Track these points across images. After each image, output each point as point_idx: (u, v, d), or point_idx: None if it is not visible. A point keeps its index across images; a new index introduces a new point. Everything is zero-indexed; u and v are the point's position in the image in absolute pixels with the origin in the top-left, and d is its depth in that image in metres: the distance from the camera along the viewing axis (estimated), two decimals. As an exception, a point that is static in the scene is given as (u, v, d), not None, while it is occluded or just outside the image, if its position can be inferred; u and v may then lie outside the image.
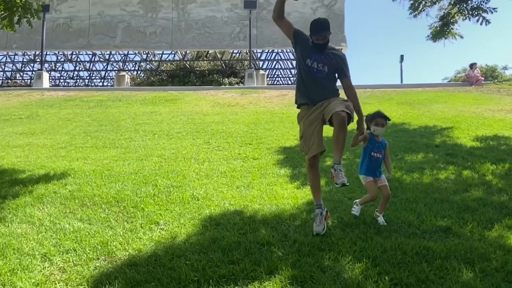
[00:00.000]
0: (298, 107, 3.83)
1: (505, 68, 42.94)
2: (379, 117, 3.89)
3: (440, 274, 2.91)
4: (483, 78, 17.30)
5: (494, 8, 9.87)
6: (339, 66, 3.70)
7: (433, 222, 3.86)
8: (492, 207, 4.24)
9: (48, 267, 3.13)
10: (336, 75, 3.75)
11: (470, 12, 10.10)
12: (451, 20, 10.75)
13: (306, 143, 3.58)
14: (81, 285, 2.87)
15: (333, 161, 3.50)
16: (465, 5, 10.18)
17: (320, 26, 3.59)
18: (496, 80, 27.79)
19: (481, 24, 9.99)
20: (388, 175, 3.98)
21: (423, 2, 10.85)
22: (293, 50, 3.88)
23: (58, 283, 2.90)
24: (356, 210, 4.01)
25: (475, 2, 10.09)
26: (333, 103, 3.48)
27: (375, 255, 3.17)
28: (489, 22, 9.88)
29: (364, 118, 3.96)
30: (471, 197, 4.56)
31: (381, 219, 3.84)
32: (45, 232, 3.77)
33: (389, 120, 4.01)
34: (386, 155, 3.99)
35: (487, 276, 2.89)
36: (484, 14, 9.89)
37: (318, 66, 3.62)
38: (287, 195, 4.70)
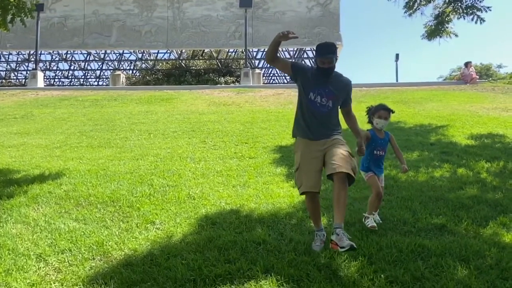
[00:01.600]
0: (293, 136, 3.58)
1: (499, 66, 43.26)
2: (382, 110, 3.74)
3: (435, 271, 2.93)
4: (477, 77, 17.39)
5: (488, 7, 9.91)
6: (344, 97, 3.45)
7: (428, 220, 3.88)
8: (486, 205, 4.26)
9: (43, 267, 3.12)
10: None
11: (465, 11, 10.13)
12: (446, 19, 10.79)
13: (301, 177, 3.29)
14: (77, 285, 2.86)
15: (333, 225, 3.08)
16: (459, 4, 10.21)
17: (326, 49, 3.32)
18: (490, 79, 27.94)
19: (475, 22, 10.03)
20: (404, 167, 3.80)
21: (418, 1, 10.87)
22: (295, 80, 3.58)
23: (54, 283, 2.89)
24: (370, 221, 3.63)
25: (469, 1, 10.12)
26: (338, 155, 3.18)
27: (370, 253, 3.18)
28: (483, 21, 9.92)
29: (366, 110, 3.89)
30: (466, 195, 4.58)
31: (375, 218, 3.70)
32: (40, 232, 3.75)
33: (393, 112, 3.85)
34: (395, 147, 3.86)
35: (482, 273, 2.91)
36: (479, 13, 9.93)
37: (322, 101, 3.34)
38: (283, 194, 4.71)
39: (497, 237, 3.52)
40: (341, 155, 3.18)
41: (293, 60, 3.46)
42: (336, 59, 3.37)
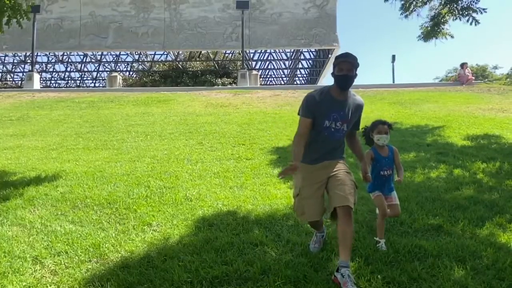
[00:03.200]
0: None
1: (495, 67, 43.48)
2: (380, 124, 3.46)
3: (432, 272, 2.93)
4: (473, 78, 17.46)
5: (484, 9, 9.96)
6: (355, 119, 3.19)
7: (425, 220, 3.89)
8: (483, 205, 4.28)
9: (39, 269, 3.11)
10: None
11: (460, 12, 10.18)
12: (442, 20, 10.84)
13: (302, 206, 3.08)
14: (73, 288, 2.85)
15: (338, 262, 2.86)
16: (455, 5, 10.26)
17: (346, 54, 3.04)
18: (486, 80, 28.12)
19: (470, 24, 10.07)
20: (399, 179, 3.45)
21: (414, 3, 10.91)
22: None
23: (50, 285, 2.88)
24: (381, 245, 3.37)
25: (465, 2, 10.17)
26: (345, 184, 2.96)
27: (367, 254, 3.19)
28: (478, 22, 9.97)
29: (363, 131, 3.58)
30: (462, 196, 4.60)
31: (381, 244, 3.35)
32: (36, 235, 3.73)
33: (391, 127, 3.55)
34: (397, 163, 3.53)
35: (478, 273, 2.92)
36: (474, 14, 9.97)
37: (337, 125, 3.06)
38: (280, 195, 4.71)
39: (493, 238, 3.53)
40: (348, 185, 2.97)
41: (306, 112, 3.07)
42: (356, 74, 3.04)
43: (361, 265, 3.02)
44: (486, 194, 4.64)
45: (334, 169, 3.07)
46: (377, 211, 3.58)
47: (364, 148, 3.42)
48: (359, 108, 3.17)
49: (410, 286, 2.76)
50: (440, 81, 36.98)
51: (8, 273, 3.03)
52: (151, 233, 3.76)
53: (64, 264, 3.18)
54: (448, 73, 41.40)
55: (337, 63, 3.04)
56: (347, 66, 2.99)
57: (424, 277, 2.86)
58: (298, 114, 3.17)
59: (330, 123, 3.04)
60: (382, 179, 3.46)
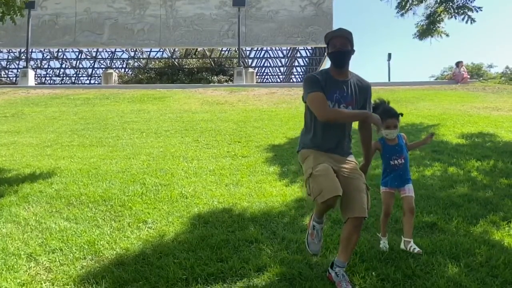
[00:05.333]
0: (299, 150, 3.02)
1: (490, 66, 43.82)
2: (388, 118, 3.15)
3: (426, 269, 2.95)
4: (469, 76, 17.56)
5: (479, 7, 10.02)
6: (362, 103, 2.91)
7: (419, 218, 3.91)
8: (477, 203, 4.31)
9: (33, 267, 3.09)
10: None
11: (456, 11, 10.23)
12: (437, 19, 10.89)
13: (318, 182, 2.65)
14: (68, 285, 2.84)
15: (335, 261, 2.77)
16: (451, 4, 10.31)
17: (339, 30, 2.84)
18: (481, 78, 28.25)
19: (466, 22, 10.14)
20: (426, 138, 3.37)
21: (410, 1, 10.95)
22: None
23: (44, 283, 2.87)
24: (383, 244, 3.31)
25: (460, 1, 10.22)
26: (359, 191, 2.74)
27: (362, 251, 3.20)
28: (474, 21, 10.03)
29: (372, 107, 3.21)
30: (457, 193, 4.62)
31: (412, 246, 3.07)
32: (31, 232, 3.71)
33: (401, 115, 3.27)
34: (409, 145, 3.40)
35: (472, 271, 2.94)
36: (470, 13, 10.03)
37: (341, 108, 2.83)
38: (276, 192, 4.72)
39: (487, 235, 3.56)
40: (364, 193, 2.75)
41: (314, 87, 2.80)
42: (353, 50, 2.83)
43: (356, 262, 3.03)
44: (480, 192, 4.66)
45: (347, 169, 2.82)
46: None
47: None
48: (364, 90, 2.91)
49: (404, 283, 2.78)
50: (436, 79, 37.11)
51: (2, 270, 3.01)
52: (146, 230, 3.75)
53: (59, 261, 3.17)
54: (444, 71, 41.57)
55: (330, 39, 2.83)
56: (340, 41, 2.79)
57: (419, 274, 2.88)
58: (304, 100, 2.91)
59: (333, 104, 2.81)
60: (393, 169, 3.23)
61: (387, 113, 3.16)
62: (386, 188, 3.27)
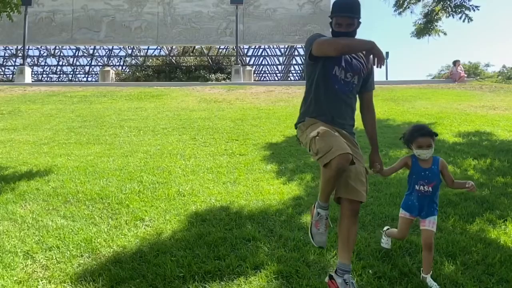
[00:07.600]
0: (298, 122, 2.83)
1: (487, 65, 43.75)
2: (420, 137, 2.80)
3: (422, 267, 2.96)
4: (466, 75, 17.61)
5: (476, 6, 10.06)
6: (367, 75, 2.76)
7: (416, 216, 3.91)
8: (473, 201, 4.32)
9: (30, 264, 3.09)
10: None
11: (453, 10, 10.27)
12: (435, 17, 10.93)
13: (326, 141, 2.40)
14: (65, 283, 2.84)
15: (337, 265, 2.54)
16: (448, 3, 10.34)
17: (345, 5, 2.59)
18: (478, 77, 28.27)
19: (463, 21, 10.18)
20: (469, 184, 2.86)
21: (408, 0, 10.98)
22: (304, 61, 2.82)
23: (41, 280, 2.86)
24: (385, 241, 3.22)
25: (458, 0, 10.25)
26: (359, 172, 2.55)
27: (359, 249, 3.21)
28: (471, 20, 10.06)
29: (401, 138, 2.99)
30: (453, 192, 4.63)
31: (429, 281, 2.76)
32: (28, 229, 3.71)
33: (436, 135, 2.90)
34: (447, 177, 2.93)
35: (468, 268, 2.96)
36: (467, 12, 10.07)
37: (347, 76, 2.65)
38: (273, 190, 4.72)
39: (483, 233, 3.57)
40: (364, 177, 2.58)
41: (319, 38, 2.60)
42: (359, 23, 2.63)
43: (353, 260, 3.03)
44: (476, 191, 4.68)
45: (352, 150, 2.52)
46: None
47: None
48: (370, 62, 2.73)
49: (401, 281, 2.79)
50: (433, 78, 37.15)
51: (-1, 268, 3.01)
52: (144, 228, 3.75)
53: (56, 259, 3.17)
54: (441, 70, 41.61)
55: (335, 14, 2.62)
56: (346, 21, 2.59)
57: (415, 272, 2.89)
58: (310, 58, 2.68)
59: (340, 71, 2.62)
60: (418, 196, 2.86)
61: (419, 131, 2.84)
62: (406, 213, 2.93)
